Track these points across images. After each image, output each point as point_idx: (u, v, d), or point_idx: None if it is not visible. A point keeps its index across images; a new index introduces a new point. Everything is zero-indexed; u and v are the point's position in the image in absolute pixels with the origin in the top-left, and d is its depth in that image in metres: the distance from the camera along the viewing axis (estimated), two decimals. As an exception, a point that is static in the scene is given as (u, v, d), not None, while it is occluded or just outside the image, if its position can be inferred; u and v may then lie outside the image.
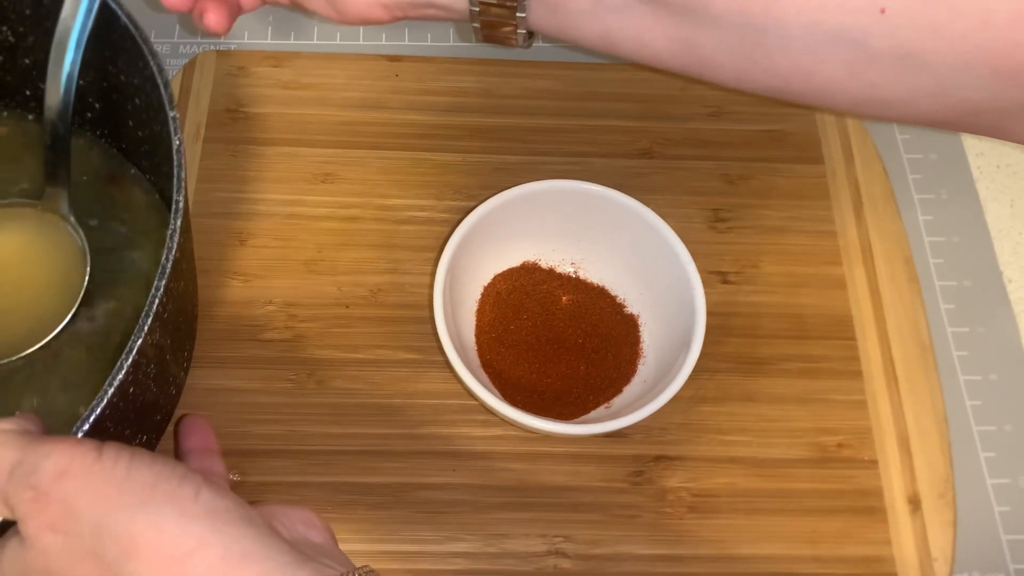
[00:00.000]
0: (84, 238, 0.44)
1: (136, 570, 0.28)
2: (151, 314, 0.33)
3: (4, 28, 0.45)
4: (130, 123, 0.45)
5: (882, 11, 0.29)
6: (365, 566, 0.30)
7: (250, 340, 0.48)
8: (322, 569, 0.28)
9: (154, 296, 0.34)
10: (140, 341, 0.33)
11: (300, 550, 0.29)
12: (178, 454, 0.40)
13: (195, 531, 0.28)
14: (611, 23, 0.35)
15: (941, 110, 0.32)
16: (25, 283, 0.43)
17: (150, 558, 0.28)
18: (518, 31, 0.38)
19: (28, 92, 0.48)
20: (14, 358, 0.42)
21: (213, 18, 0.40)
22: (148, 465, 0.29)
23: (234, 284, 0.49)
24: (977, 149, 0.58)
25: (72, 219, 0.44)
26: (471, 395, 0.43)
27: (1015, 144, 0.58)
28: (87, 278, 0.43)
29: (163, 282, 0.34)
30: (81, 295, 0.43)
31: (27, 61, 0.46)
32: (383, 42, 0.59)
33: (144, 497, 0.28)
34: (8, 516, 0.30)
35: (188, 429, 0.41)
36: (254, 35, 0.59)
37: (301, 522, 0.32)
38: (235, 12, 0.42)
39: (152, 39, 0.39)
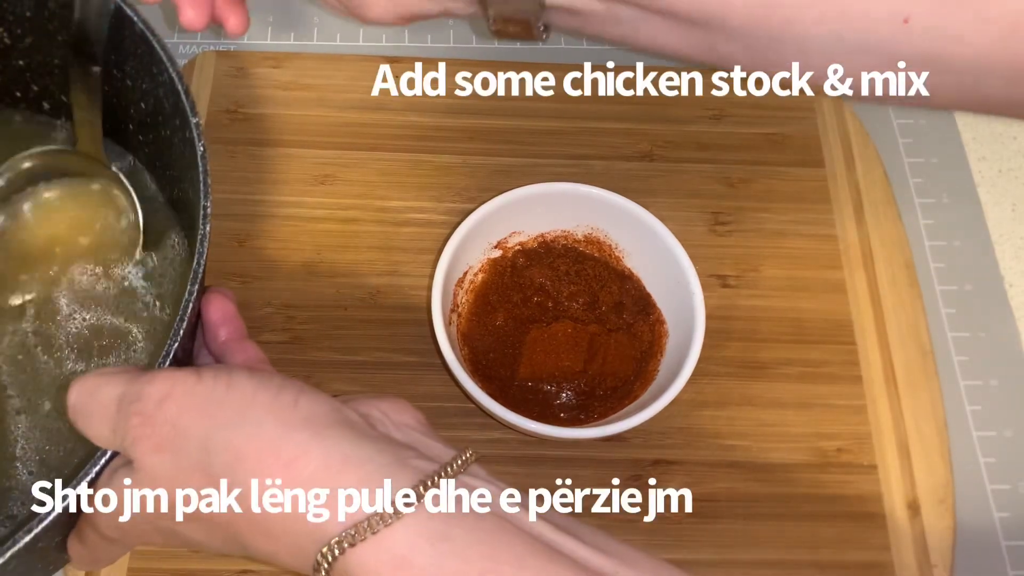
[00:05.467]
0: (134, 196, 0.44)
1: (242, 480, 0.29)
2: (185, 318, 0.33)
3: (0, 30, 0.45)
4: (130, 127, 0.45)
5: (905, 21, 0.29)
6: (465, 455, 0.30)
7: (248, 342, 0.48)
8: (421, 465, 0.29)
9: (187, 302, 0.34)
10: (176, 345, 0.33)
11: (398, 444, 0.30)
12: (207, 342, 0.38)
13: (296, 439, 0.29)
14: (627, 30, 0.35)
15: (955, 102, 0.33)
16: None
17: (254, 468, 0.28)
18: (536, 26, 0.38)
19: (19, 93, 0.48)
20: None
21: (233, 22, 0.40)
22: (246, 380, 0.30)
23: (232, 285, 0.49)
24: (979, 154, 0.57)
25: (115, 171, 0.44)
26: (469, 398, 0.43)
27: (1017, 148, 0.58)
28: (140, 227, 0.43)
29: (196, 287, 0.34)
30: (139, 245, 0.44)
31: (21, 63, 0.46)
32: (383, 43, 0.59)
33: (245, 411, 0.29)
34: (117, 446, 0.31)
35: (218, 317, 0.38)
36: (254, 36, 0.59)
37: (394, 411, 0.32)
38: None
39: (151, 40, 0.38)
